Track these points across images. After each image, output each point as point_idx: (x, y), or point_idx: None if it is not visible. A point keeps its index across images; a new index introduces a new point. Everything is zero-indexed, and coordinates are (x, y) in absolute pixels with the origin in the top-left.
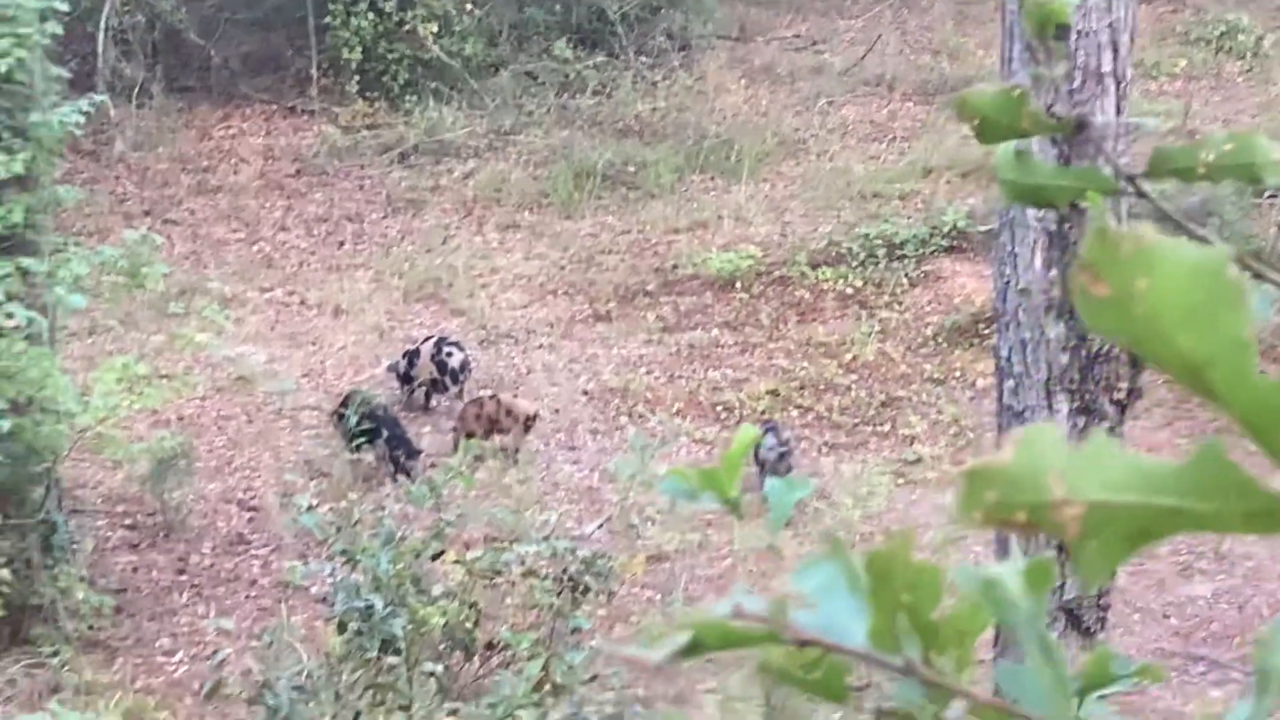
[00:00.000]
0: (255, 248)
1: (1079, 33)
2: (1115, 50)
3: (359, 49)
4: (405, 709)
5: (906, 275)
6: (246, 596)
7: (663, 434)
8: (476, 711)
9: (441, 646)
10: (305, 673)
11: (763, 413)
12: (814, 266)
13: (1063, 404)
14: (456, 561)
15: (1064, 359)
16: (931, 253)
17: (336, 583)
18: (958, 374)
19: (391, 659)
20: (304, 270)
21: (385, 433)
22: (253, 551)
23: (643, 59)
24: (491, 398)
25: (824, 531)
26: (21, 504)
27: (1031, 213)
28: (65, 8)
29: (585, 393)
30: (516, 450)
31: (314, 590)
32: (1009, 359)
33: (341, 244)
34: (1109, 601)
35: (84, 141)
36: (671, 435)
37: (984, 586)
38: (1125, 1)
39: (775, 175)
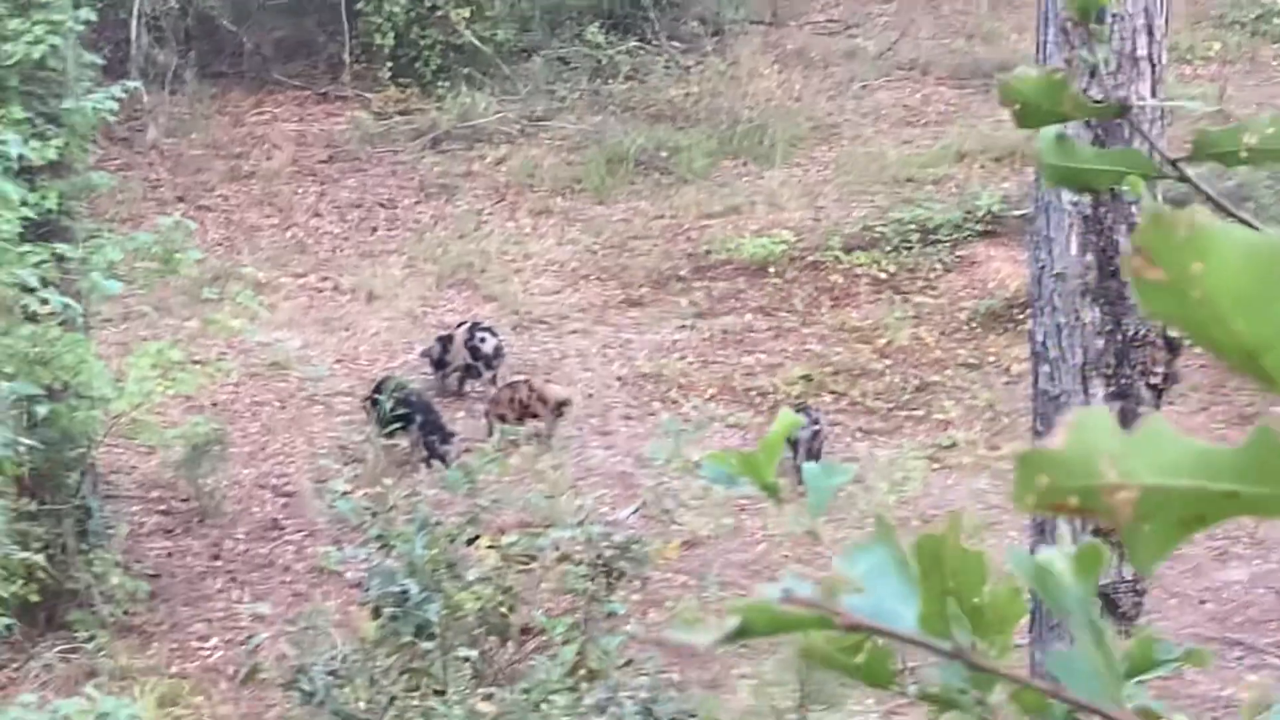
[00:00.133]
0: (288, 233)
1: (1115, 16)
2: (1151, 34)
3: (391, 34)
4: (440, 694)
5: (940, 260)
6: (281, 582)
7: (696, 419)
8: (511, 696)
9: (476, 631)
10: (340, 658)
11: (796, 398)
12: (848, 251)
13: (1098, 389)
14: (491, 546)
15: (1099, 343)
16: (965, 237)
17: (371, 568)
18: (992, 359)
19: (426, 644)
20: (337, 256)
21: (419, 418)
22: (287, 537)
23: (675, 44)
24: (524, 382)
25: (875, 516)
26: (57, 489)
27: (1066, 197)
28: None
29: (618, 378)
30: (550, 435)
31: (348, 575)
32: (1044, 344)
33: (374, 230)
34: (1145, 586)
35: (117, 128)
36: (705, 421)
37: (1035, 571)
38: None
39: (808, 160)
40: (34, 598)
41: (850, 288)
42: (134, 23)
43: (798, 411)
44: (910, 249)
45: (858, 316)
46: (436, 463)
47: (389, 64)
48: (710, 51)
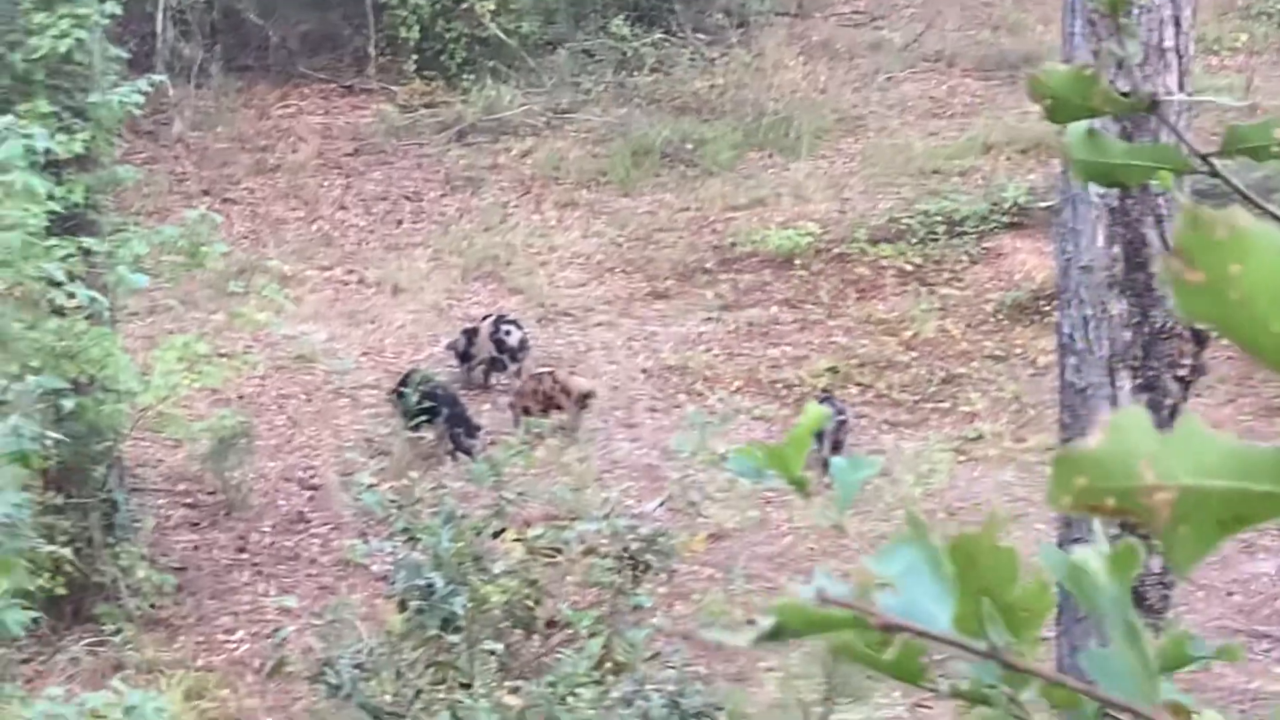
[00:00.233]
0: (314, 226)
1: (1141, 8)
2: (1177, 25)
3: (416, 27)
4: (466, 687)
5: (967, 252)
6: (307, 575)
7: (722, 412)
8: (537, 690)
9: (502, 625)
10: (366, 651)
11: (823, 389)
12: (873, 243)
13: (1125, 381)
14: (517, 539)
15: (1127, 336)
16: (992, 229)
17: (397, 561)
18: (1019, 351)
19: (452, 637)
20: (363, 249)
21: (445, 411)
22: (313, 530)
23: (700, 36)
24: (548, 374)
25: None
26: (83, 483)
27: (1093, 189)
28: None
29: (644, 370)
30: (575, 428)
31: (374, 568)
32: (1071, 336)
33: (400, 222)
34: (1173, 579)
35: (143, 121)
36: (730, 413)
37: (1069, 571)
38: None
39: (834, 152)
40: (61, 591)
41: (876, 280)
42: (160, 16)
43: (823, 401)
44: (936, 241)
45: (884, 309)
46: (462, 455)
47: (414, 57)
48: (735, 43)
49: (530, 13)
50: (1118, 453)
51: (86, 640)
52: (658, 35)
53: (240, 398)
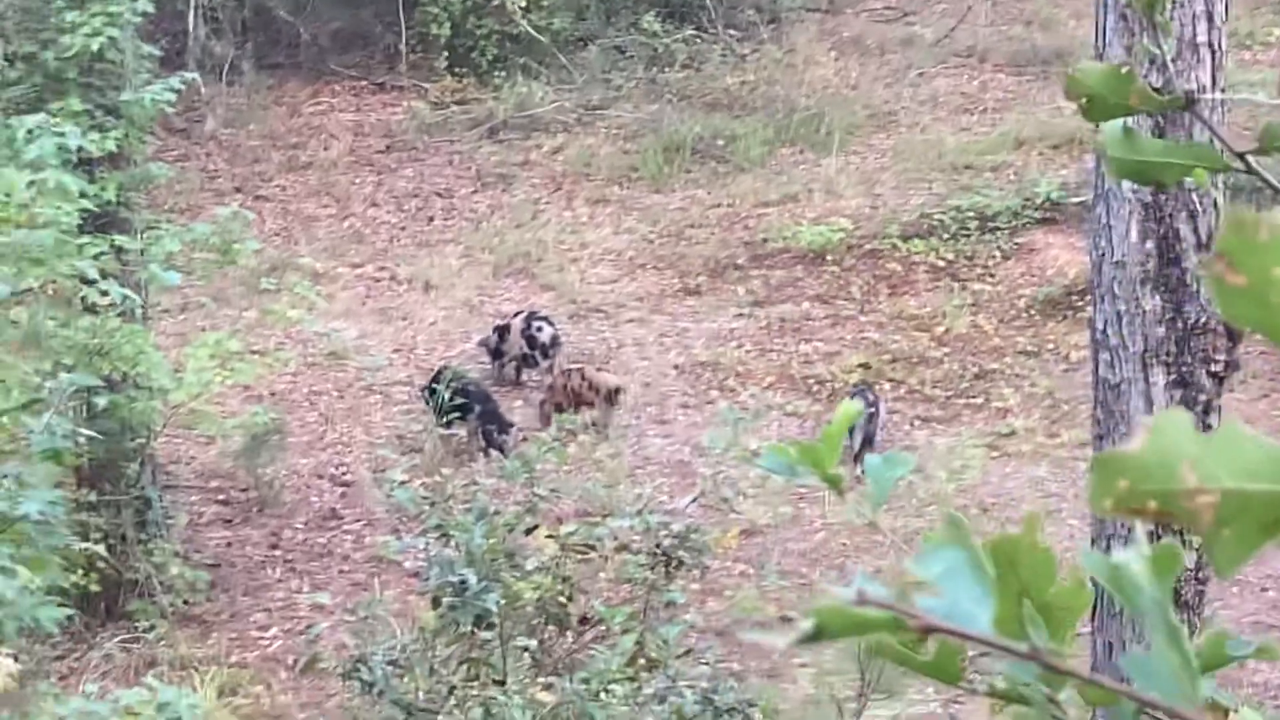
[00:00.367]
0: (345, 223)
1: (1175, 2)
2: (1211, 20)
3: (447, 24)
4: (499, 684)
5: (999, 247)
6: (340, 571)
7: (754, 408)
8: (570, 686)
9: (535, 621)
10: (399, 647)
11: (860, 381)
12: (905, 239)
13: (1159, 377)
14: (549, 536)
15: (1160, 331)
16: (1024, 225)
17: (430, 557)
18: (1051, 346)
19: (485, 634)
20: (394, 246)
21: (477, 408)
22: (345, 526)
23: (731, 32)
24: (576, 371)
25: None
26: (116, 480)
27: (1126, 184)
28: None
29: (676, 367)
30: (606, 424)
31: (407, 565)
32: (1104, 332)
33: (431, 219)
34: (1208, 575)
35: (175, 119)
36: (762, 409)
37: (1110, 573)
38: None
39: (866, 148)
40: (94, 588)
41: (908, 275)
42: (191, 14)
43: (856, 393)
44: (968, 236)
45: (916, 304)
46: (494, 452)
47: (445, 54)
48: (766, 39)
49: (561, 9)
50: (1159, 456)
51: (120, 637)
52: (689, 31)
53: (272, 394)
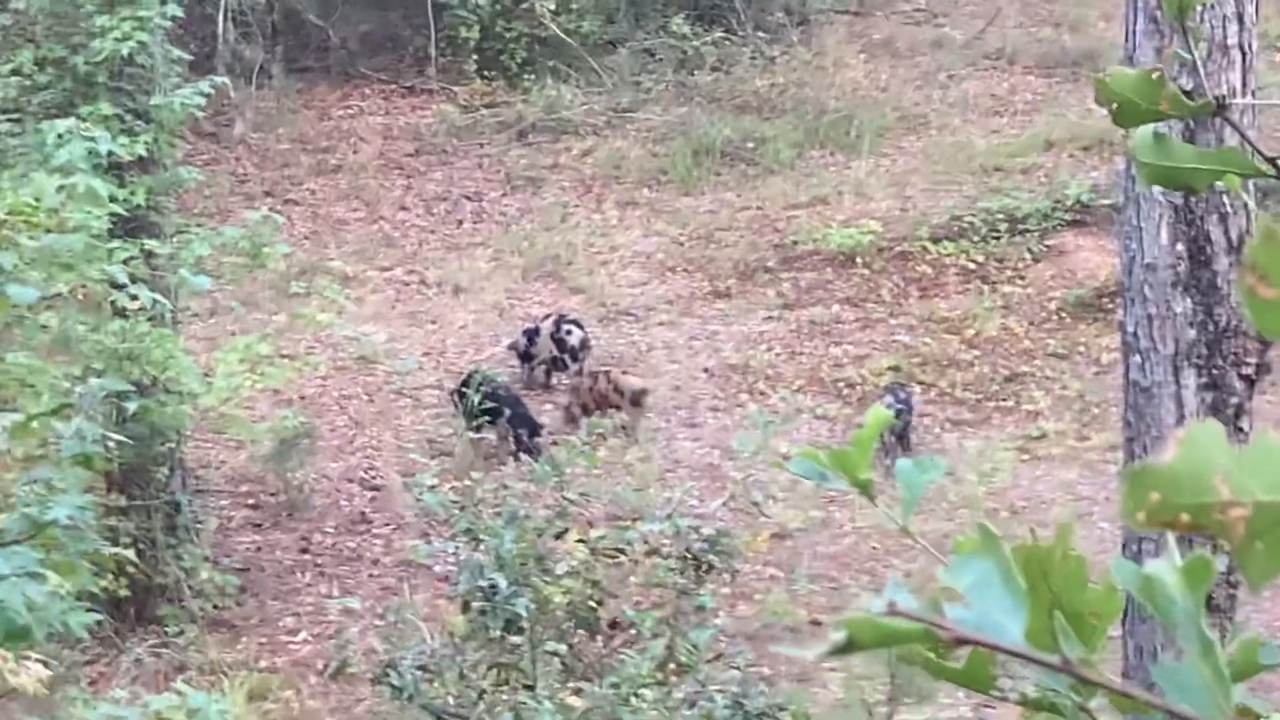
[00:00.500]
0: (375, 227)
1: (1205, 5)
2: (1241, 22)
3: (477, 27)
4: (529, 688)
5: (1029, 249)
6: (369, 576)
7: (784, 411)
8: (600, 691)
9: (565, 626)
10: (429, 652)
11: (882, 391)
12: (935, 241)
13: (1190, 379)
14: (579, 540)
15: (1191, 334)
16: (1054, 227)
17: (460, 562)
18: (1082, 349)
19: (515, 638)
20: (424, 249)
21: (508, 412)
22: (375, 531)
23: (761, 34)
24: (603, 374)
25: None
26: (146, 484)
27: (1157, 187)
28: None
29: (705, 370)
30: (634, 427)
31: (437, 569)
32: (1135, 334)
33: (461, 222)
34: (1239, 579)
35: (204, 123)
36: (793, 412)
37: (1142, 584)
38: None
39: (895, 150)
40: (124, 593)
41: (938, 278)
42: (221, 18)
43: (888, 392)
44: (998, 239)
45: (946, 307)
46: (524, 455)
47: (475, 57)
48: (796, 42)
49: (591, 12)
50: (1191, 468)
51: (150, 642)
52: (718, 34)
53: (302, 398)
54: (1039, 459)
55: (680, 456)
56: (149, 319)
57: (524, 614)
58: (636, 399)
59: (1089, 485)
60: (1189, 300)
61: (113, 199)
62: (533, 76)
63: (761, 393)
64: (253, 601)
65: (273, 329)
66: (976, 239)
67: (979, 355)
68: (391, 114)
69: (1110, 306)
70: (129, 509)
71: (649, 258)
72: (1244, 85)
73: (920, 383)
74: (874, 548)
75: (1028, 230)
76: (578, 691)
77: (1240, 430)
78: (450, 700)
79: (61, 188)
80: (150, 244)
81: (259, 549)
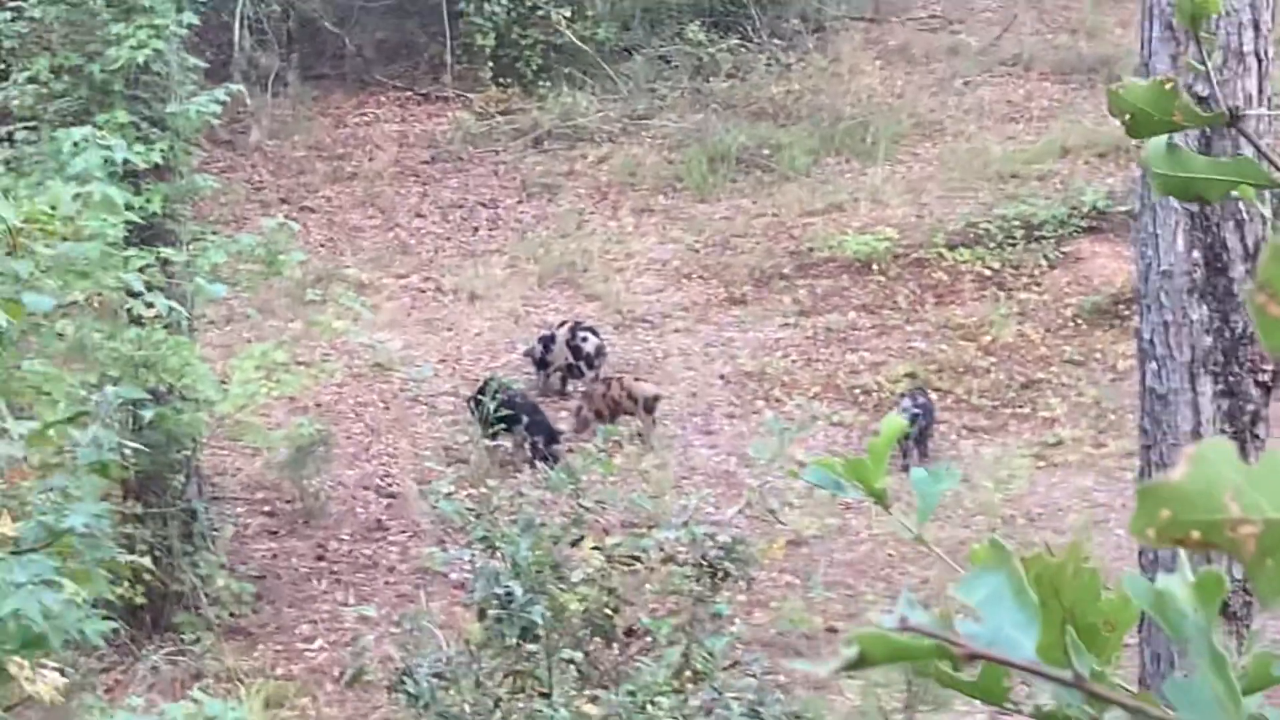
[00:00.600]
0: (391, 234)
1: (1221, 12)
2: (1257, 29)
3: (492, 35)
4: (545, 696)
5: (1045, 256)
6: (385, 583)
7: (800, 418)
8: (616, 699)
9: (581, 633)
10: (445, 659)
11: (900, 395)
12: (951, 248)
13: (1206, 386)
14: (595, 548)
15: (1208, 341)
16: (1070, 233)
17: (476, 569)
18: (1098, 355)
19: (531, 646)
20: (439, 256)
21: (524, 419)
22: (391, 538)
23: (776, 41)
24: (615, 380)
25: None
26: (162, 492)
27: None
28: None
29: (721, 377)
30: (649, 434)
31: (453, 577)
32: (1151, 341)
33: (476, 229)
34: None
35: (220, 131)
36: (808, 419)
37: (1154, 598)
38: None
39: (911, 157)
40: (140, 600)
41: (954, 285)
42: (236, 26)
43: (907, 396)
44: (1015, 245)
45: (962, 314)
46: (540, 463)
47: (490, 64)
48: (812, 48)
49: (606, 19)
50: (1202, 486)
51: (166, 649)
52: (734, 41)
53: (318, 406)
54: (1055, 466)
55: (696, 463)
56: (165, 326)
57: (540, 621)
58: (649, 405)
59: (1105, 492)
60: (1205, 307)
61: (129, 207)
62: (548, 84)
63: (777, 399)
64: (269, 609)
65: (288, 336)
66: (992, 246)
67: (995, 362)
68: (407, 121)
69: (1126, 313)
70: (145, 516)
71: (664, 265)
72: (1260, 92)
73: (936, 389)
74: (890, 555)
75: (1044, 237)
76: (594, 699)
77: (1256, 437)
78: (466, 708)
79: (77, 195)
80: (166, 251)
81: (275, 556)
